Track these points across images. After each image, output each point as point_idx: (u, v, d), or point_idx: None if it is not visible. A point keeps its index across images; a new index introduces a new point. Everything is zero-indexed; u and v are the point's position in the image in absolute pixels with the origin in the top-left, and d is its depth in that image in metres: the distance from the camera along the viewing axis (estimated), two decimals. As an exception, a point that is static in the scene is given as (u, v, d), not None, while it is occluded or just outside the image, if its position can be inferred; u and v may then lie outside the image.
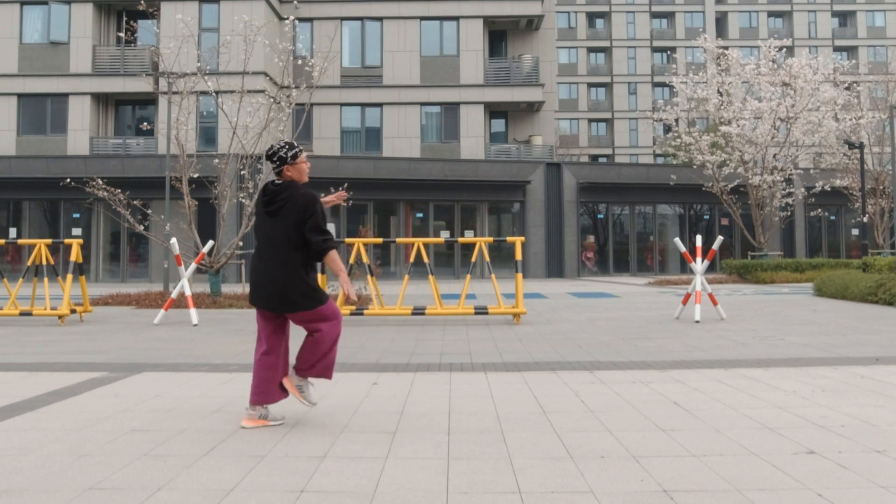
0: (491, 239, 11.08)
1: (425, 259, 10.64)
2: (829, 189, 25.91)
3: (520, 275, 10.38)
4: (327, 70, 17.45)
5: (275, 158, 4.16)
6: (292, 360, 4.29)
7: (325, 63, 16.25)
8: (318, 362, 4.15)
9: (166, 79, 16.68)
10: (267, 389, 4.17)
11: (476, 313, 10.40)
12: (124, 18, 27.90)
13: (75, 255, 10.97)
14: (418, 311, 10.32)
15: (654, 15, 60.54)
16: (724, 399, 4.77)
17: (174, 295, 11.09)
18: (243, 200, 14.94)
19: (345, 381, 5.57)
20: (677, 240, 11.85)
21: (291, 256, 4.05)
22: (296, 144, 4.21)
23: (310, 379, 4.27)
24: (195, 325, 10.10)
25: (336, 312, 4.19)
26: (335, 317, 4.17)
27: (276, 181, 4.21)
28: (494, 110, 30.42)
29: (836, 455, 3.45)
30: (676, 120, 25.66)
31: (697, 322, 9.88)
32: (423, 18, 29.17)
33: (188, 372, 6.07)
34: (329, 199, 4.70)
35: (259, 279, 4.13)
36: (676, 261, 28.99)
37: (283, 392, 4.25)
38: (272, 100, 15.90)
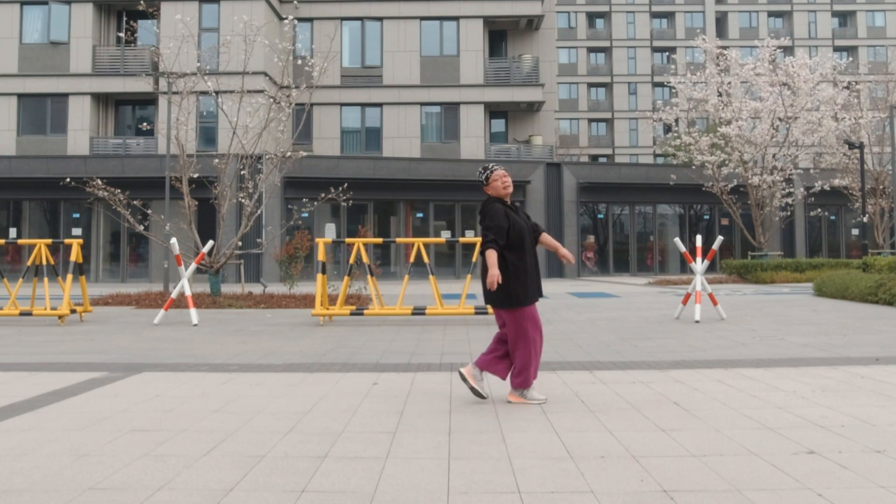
0: None
1: (426, 259, 10.63)
2: (828, 189, 25.91)
3: (520, 275, 10.35)
4: (327, 70, 17.44)
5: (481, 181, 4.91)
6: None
7: (325, 63, 16.24)
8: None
9: (166, 79, 16.67)
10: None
11: (477, 313, 10.38)
12: (124, 18, 27.91)
13: (75, 255, 10.96)
14: (419, 311, 10.32)
15: (654, 15, 60.53)
16: (724, 399, 4.77)
17: (174, 295, 11.08)
18: (243, 200, 14.91)
19: (345, 380, 5.58)
20: (677, 240, 11.85)
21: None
22: (488, 167, 4.88)
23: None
24: (195, 325, 10.10)
25: None
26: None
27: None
28: (494, 110, 30.41)
29: (836, 455, 3.45)
30: (676, 120, 25.65)
31: (697, 322, 9.88)
32: (423, 18, 29.17)
33: (188, 372, 6.07)
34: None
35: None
36: (676, 261, 28.99)
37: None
38: (272, 100, 15.89)
